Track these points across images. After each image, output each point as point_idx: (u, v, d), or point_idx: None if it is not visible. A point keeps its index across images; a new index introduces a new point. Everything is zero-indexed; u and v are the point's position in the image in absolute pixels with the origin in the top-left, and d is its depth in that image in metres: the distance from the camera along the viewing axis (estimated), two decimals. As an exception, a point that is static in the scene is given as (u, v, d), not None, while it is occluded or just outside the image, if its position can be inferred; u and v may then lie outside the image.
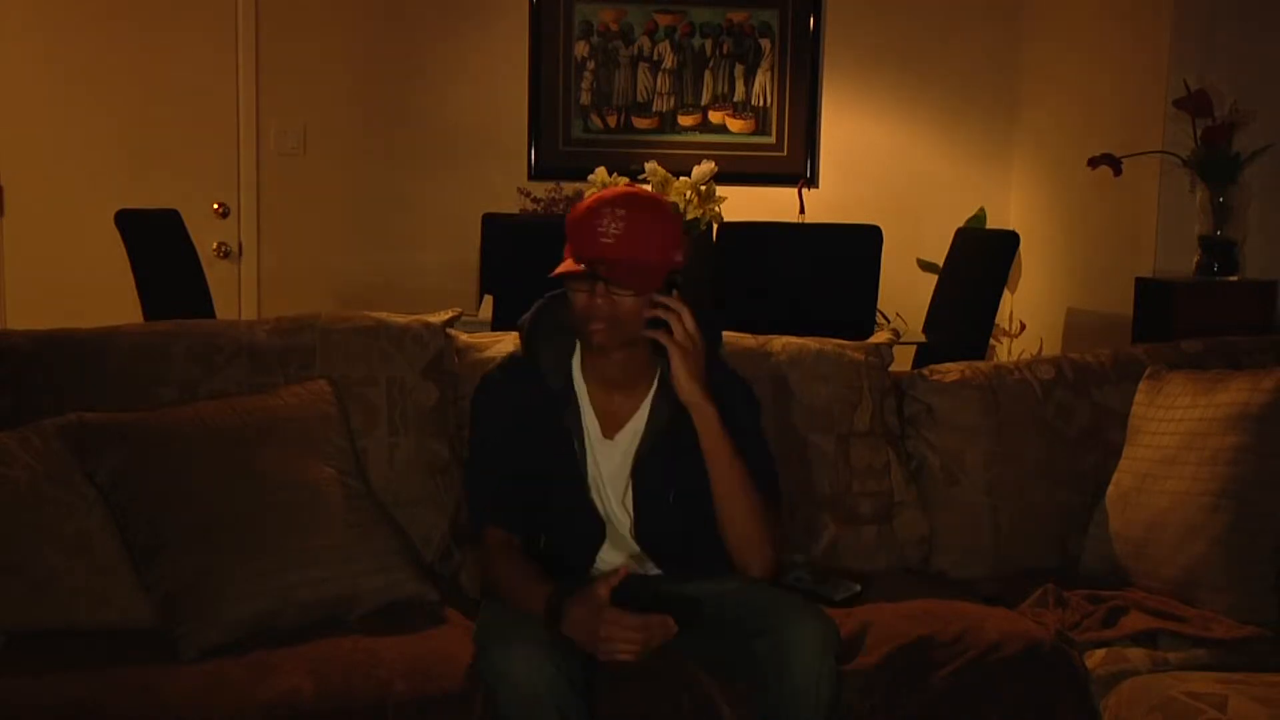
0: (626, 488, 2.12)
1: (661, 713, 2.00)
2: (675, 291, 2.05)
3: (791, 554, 2.43)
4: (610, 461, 2.12)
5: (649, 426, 2.11)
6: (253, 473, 2.16)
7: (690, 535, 2.12)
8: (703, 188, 3.70)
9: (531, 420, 2.12)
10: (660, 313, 2.01)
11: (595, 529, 2.13)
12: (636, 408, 2.13)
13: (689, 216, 3.72)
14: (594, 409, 2.13)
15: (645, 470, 2.10)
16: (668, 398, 2.09)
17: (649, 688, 2.01)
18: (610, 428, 2.13)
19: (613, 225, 1.98)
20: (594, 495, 2.13)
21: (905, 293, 4.54)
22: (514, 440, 2.13)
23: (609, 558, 2.14)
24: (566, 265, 2.03)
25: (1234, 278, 3.57)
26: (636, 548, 2.14)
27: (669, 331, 2.01)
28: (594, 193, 2.14)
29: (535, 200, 4.28)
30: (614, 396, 2.13)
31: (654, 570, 2.16)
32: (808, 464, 2.55)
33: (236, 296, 4.74)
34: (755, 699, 1.94)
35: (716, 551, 2.10)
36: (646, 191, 2.09)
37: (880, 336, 2.77)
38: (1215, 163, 3.53)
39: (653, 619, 1.89)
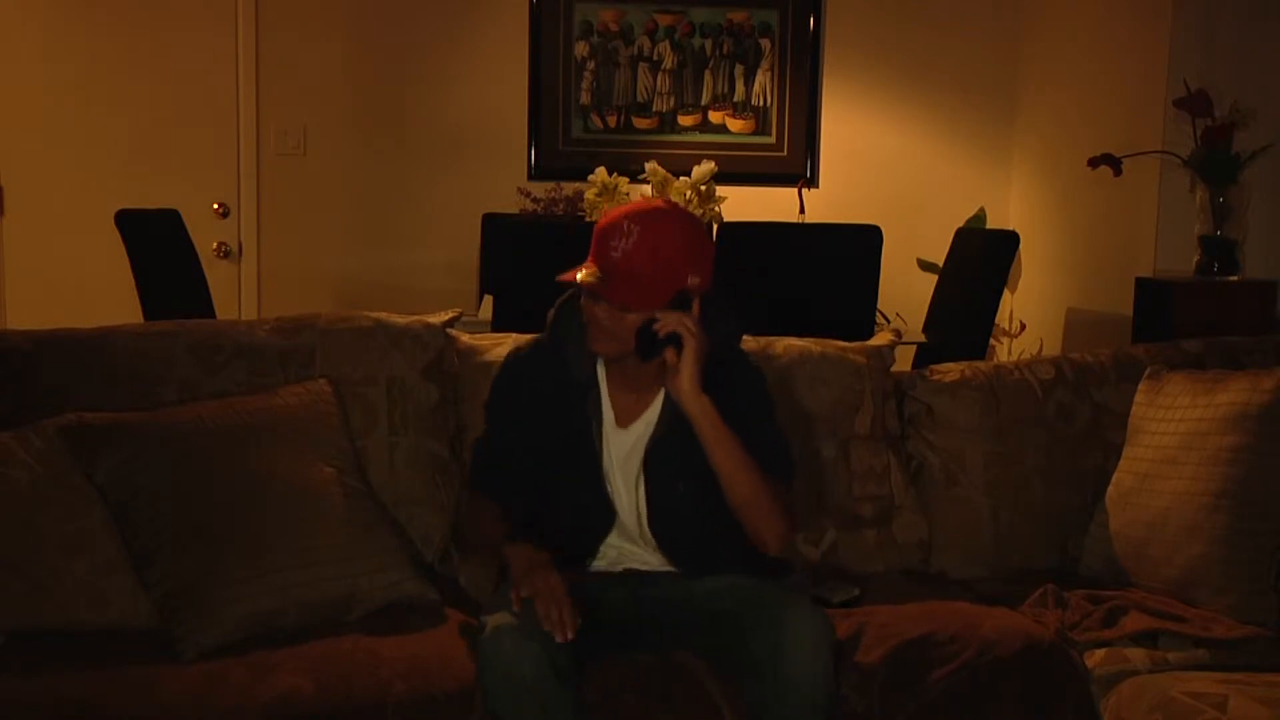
0: (638, 478, 2.12)
1: (650, 701, 2.01)
2: (695, 306, 2.03)
3: (790, 556, 2.43)
4: (621, 449, 2.13)
5: (662, 417, 2.12)
6: (253, 473, 2.16)
7: (704, 530, 2.12)
8: (703, 188, 3.70)
9: (549, 403, 2.14)
10: (664, 327, 2.01)
11: (603, 517, 2.13)
12: (651, 402, 2.14)
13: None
14: (611, 400, 2.15)
15: (656, 459, 2.11)
16: None
17: (639, 676, 2.02)
18: (625, 419, 2.14)
19: (622, 241, 1.99)
20: (605, 483, 2.13)
21: (905, 293, 4.54)
22: (528, 420, 2.15)
23: (615, 543, 2.15)
24: (571, 272, 2.03)
25: (1234, 278, 3.56)
26: (651, 539, 2.14)
27: (675, 347, 2.01)
28: (628, 203, 2.13)
29: (535, 200, 4.28)
30: (630, 394, 2.15)
31: (666, 568, 2.15)
32: (808, 467, 2.55)
33: (236, 296, 4.74)
34: (749, 694, 1.94)
35: (733, 550, 2.10)
36: (676, 211, 2.06)
37: (882, 338, 2.77)
38: (1215, 163, 3.53)
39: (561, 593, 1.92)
